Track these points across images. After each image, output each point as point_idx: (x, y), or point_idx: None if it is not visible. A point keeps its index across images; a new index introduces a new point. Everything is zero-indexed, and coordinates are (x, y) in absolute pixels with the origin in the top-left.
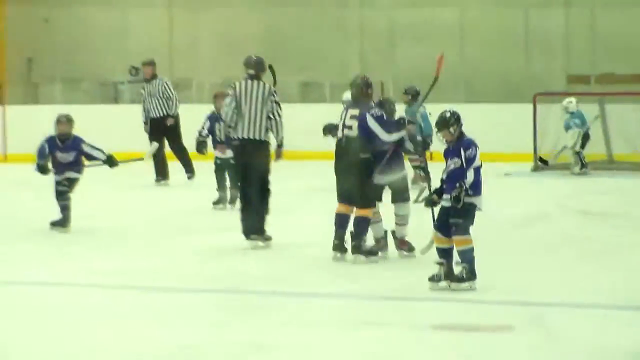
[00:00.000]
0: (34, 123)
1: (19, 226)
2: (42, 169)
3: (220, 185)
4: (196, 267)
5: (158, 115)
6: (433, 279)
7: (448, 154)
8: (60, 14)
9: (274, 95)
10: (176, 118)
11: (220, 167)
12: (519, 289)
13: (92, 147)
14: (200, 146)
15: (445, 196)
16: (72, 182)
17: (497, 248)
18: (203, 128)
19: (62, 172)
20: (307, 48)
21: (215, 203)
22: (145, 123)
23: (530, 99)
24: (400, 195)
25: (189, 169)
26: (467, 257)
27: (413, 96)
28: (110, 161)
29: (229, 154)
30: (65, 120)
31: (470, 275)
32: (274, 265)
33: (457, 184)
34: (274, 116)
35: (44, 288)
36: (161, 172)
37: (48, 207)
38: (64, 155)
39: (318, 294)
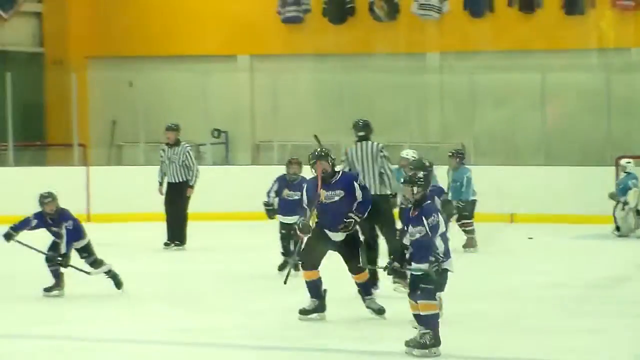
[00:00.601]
0: (116, 184)
1: (101, 285)
2: (8, 236)
3: (287, 250)
4: (277, 325)
5: (175, 180)
6: (409, 343)
7: (409, 220)
8: (144, 78)
9: (382, 152)
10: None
11: (286, 232)
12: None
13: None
14: (269, 212)
15: (414, 265)
16: (87, 249)
17: (578, 310)
18: (271, 190)
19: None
20: (388, 111)
21: (281, 268)
22: (161, 184)
23: (611, 162)
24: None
25: (181, 238)
26: (432, 322)
27: (460, 159)
28: (63, 260)
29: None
30: (49, 200)
31: (434, 341)
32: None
33: (432, 257)
34: (385, 171)
35: (134, 346)
36: (177, 236)
37: (130, 266)
38: (55, 230)
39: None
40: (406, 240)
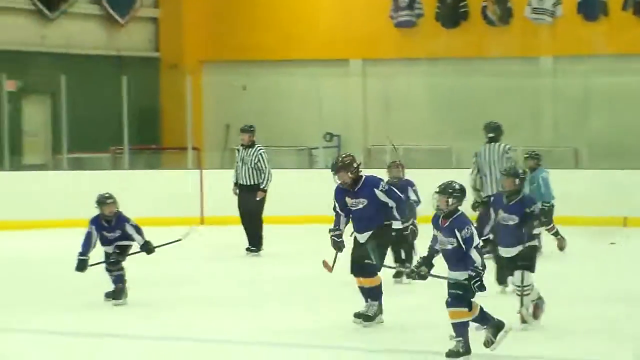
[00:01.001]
0: (229, 187)
1: (214, 286)
2: (82, 265)
3: (398, 257)
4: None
5: (247, 182)
6: (451, 354)
7: (441, 229)
8: (257, 82)
9: (507, 153)
10: (265, 193)
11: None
12: None
13: (135, 227)
14: None
15: (451, 273)
16: (124, 250)
17: None
18: None
19: (110, 245)
20: (501, 115)
21: (396, 276)
22: (235, 184)
23: None
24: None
25: (255, 244)
26: (461, 330)
27: (537, 161)
28: (147, 247)
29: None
30: (111, 202)
31: (466, 350)
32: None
33: (471, 272)
34: None
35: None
36: (252, 242)
37: (240, 269)
38: (111, 234)
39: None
40: (437, 246)
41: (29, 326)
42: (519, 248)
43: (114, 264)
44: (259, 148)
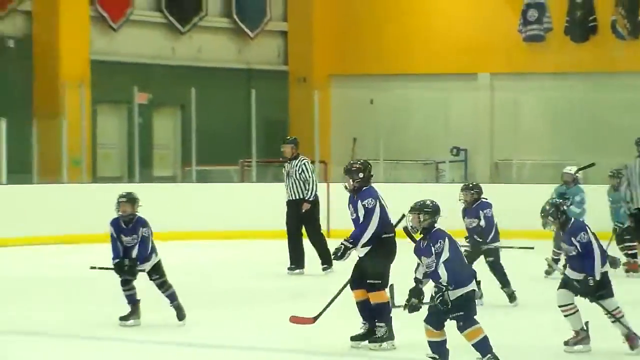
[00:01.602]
0: None
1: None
2: (120, 268)
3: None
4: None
5: (294, 197)
6: None
7: (420, 252)
8: (384, 96)
9: None
10: (314, 202)
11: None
12: None
13: (146, 238)
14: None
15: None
16: (157, 269)
17: None
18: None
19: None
20: (631, 130)
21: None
22: (288, 201)
23: None
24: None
25: (326, 260)
26: (484, 347)
27: (620, 178)
28: (120, 265)
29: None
30: (124, 200)
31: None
32: None
33: (435, 288)
34: None
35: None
36: (296, 261)
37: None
38: (128, 239)
39: None
40: (418, 274)
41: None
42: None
43: (163, 285)
44: (302, 159)
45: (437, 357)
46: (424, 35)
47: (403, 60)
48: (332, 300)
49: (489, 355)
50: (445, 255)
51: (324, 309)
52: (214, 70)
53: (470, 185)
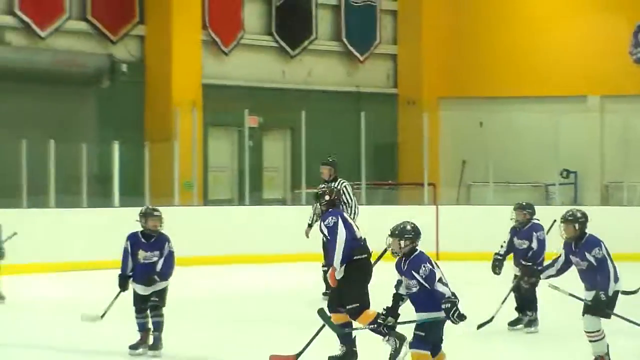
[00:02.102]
0: (465, 223)
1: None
2: (122, 282)
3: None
4: None
5: None
6: None
7: (402, 272)
8: (494, 118)
9: None
10: None
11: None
12: None
13: (171, 254)
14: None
15: (421, 315)
16: (162, 294)
17: None
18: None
19: (145, 279)
20: None
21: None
22: (310, 226)
23: None
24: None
25: None
26: None
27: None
28: (123, 281)
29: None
30: (158, 215)
31: None
32: None
33: (446, 305)
34: None
35: None
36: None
37: None
38: (147, 254)
39: None
40: (402, 290)
41: None
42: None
43: (155, 309)
44: (342, 182)
45: None
46: (533, 57)
47: (512, 83)
48: (313, 338)
49: None
50: (438, 275)
51: (305, 347)
52: (323, 93)
53: (524, 204)
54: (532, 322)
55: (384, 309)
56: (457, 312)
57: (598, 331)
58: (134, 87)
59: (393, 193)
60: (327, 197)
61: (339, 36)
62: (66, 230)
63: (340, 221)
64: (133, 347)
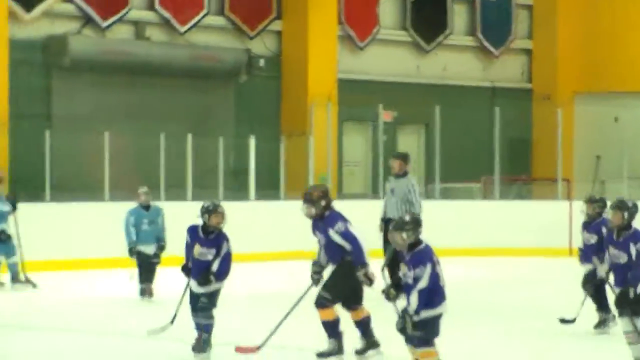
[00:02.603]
0: None
1: None
2: (186, 273)
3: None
4: None
5: (394, 216)
6: None
7: (403, 260)
8: (630, 113)
9: None
10: None
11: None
12: None
13: (228, 254)
14: None
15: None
16: (213, 295)
17: None
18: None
19: (197, 275)
20: None
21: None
22: (382, 220)
23: None
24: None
25: None
26: None
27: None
28: (186, 269)
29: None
30: (222, 211)
31: None
32: None
33: (399, 313)
34: None
35: None
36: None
37: None
38: (203, 250)
39: None
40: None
41: None
42: None
43: (202, 309)
44: (410, 177)
45: None
46: None
47: None
48: (277, 328)
49: None
50: (423, 283)
51: (267, 338)
52: (458, 89)
53: (595, 198)
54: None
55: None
56: (400, 326)
57: (634, 332)
58: (270, 81)
59: (527, 188)
60: (323, 203)
61: (474, 31)
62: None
63: (347, 223)
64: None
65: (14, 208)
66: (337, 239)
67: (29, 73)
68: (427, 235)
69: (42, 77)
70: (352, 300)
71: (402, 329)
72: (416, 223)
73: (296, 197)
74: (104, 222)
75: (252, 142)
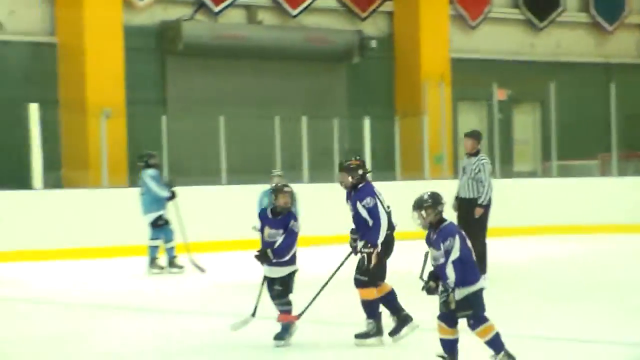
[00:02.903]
0: None
1: None
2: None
3: None
4: None
5: (465, 195)
6: None
7: (430, 243)
8: None
9: None
10: (487, 208)
11: None
12: None
13: (294, 231)
14: None
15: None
16: (287, 281)
17: None
18: None
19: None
20: None
21: None
22: (455, 198)
23: None
24: None
25: (480, 269)
26: (497, 344)
27: None
28: (263, 254)
29: None
30: (289, 190)
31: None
32: None
33: (441, 288)
34: None
35: None
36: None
37: None
38: (272, 232)
39: None
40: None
41: None
42: None
43: (277, 297)
44: (481, 158)
45: (446, 356)
46: None
47: None
48: (314, 299)
49: (502, 352)
50: (455, 254)
51: (307, 307)
52: (572, 65)
53: None
54: None
55: (429, 273)
56: (444, 299)
57: None
58: (383, 62)
59: None
60: (360, 172)
61: (587, 7)
62: (319, 205)
63: (377, 201)
64: (278, 338)
65: (173, 194)
66: (364, 212)
67: (143, 59)
68: (547, 212)
69: (157, 63)
70: (378, 277)
71: (446, 307)
72: (435, 201)
73: (412, 178)
74: (220, 205)
75: (366, 123)
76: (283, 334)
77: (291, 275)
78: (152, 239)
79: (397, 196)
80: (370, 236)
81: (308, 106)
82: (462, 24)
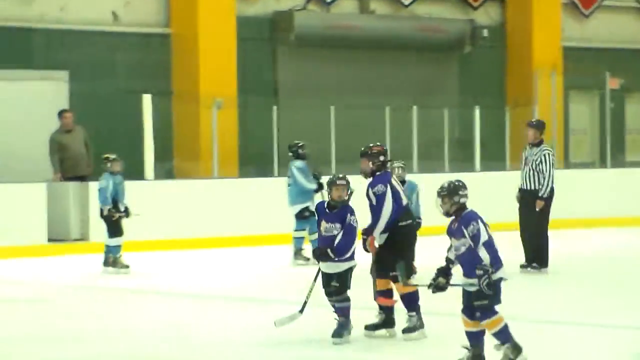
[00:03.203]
0: None
1: None
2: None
3: None
4: None
5: (527, 187)
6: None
7: (452, 233)
8: None
9: None
10: (548, 201)
11: None
12: None
13: (352, 226)
14: None
15: (463, 279)
16: (344, 277)
17: None
18: None
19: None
20: None
21: None
22: (519, 189)
23: None
24: None
25: (539, 260)
26: (505, 335)
27: None
28: (319, 253)
29: None
30: (343, 184)
31: (517, 351)
32: None
33: (479, 271)
34: None
35: None
36: (537, 258)
37: None
38: (327, 226)
39: None
40: (451, 255)
41: None
42: None
43: (335, 293)
44: (544, 148)
45: (470, 348)
46: None
47: None
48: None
49: (509, 343)
50: (484, 237)
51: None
52: None
53: None
54: None
55: (437, 269)
56: (487, 281)
57: None
58: (494, 52)
59: None
60: (381, 158)
61: None
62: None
63: (388, 190)
64: (336, 335)
65: (320, 186)
66: (372, 198)
67: (255, 49)
68: None
69: (268, 54)
70: (381, 268)
71: (487, 286)
72: (451, 191)
73: (515, 168)
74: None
75: (476, 112)
76: (341, 331)
77: (349, 271)
78: (297, 229)
79: (507, 186)
80: (370, 226)
81: (418, 96)
82: (574, 13)
